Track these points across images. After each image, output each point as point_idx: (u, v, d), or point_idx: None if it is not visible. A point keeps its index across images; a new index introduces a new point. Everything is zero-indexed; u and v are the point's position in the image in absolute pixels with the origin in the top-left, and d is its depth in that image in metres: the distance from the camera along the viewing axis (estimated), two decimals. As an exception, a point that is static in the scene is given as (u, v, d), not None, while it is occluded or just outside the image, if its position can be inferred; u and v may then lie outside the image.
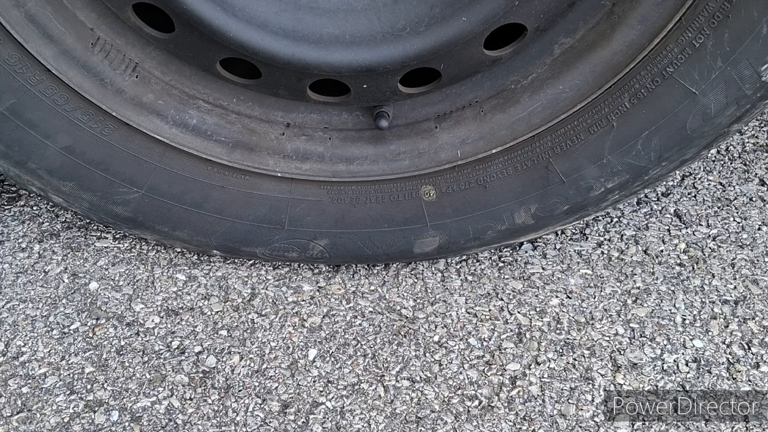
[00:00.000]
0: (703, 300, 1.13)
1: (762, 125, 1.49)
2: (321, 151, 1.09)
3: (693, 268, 1.18)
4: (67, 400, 1.00)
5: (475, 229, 1.11)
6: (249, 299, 1.15)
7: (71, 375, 1.03)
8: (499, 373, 1.03)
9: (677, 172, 1.26)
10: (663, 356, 1.04)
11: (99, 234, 1.26)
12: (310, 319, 1.12)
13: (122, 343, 1.08)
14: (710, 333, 1.08)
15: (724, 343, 1.06)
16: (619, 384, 1.01)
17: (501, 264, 1.20)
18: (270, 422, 0.97)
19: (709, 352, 1.05)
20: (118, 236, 1.25)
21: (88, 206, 1.11)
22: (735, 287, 1.15)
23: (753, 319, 1.09)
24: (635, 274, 1.17)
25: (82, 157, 1.06)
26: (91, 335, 1.09)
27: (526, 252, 1.22)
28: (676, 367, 1.03)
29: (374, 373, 1.04)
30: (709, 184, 1.35)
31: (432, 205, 1.10)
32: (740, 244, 1.22)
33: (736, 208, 1.30)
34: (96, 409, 0.99)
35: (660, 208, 1.30)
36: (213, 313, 1.13)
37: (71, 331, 1.10)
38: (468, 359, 1.05)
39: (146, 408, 0.99)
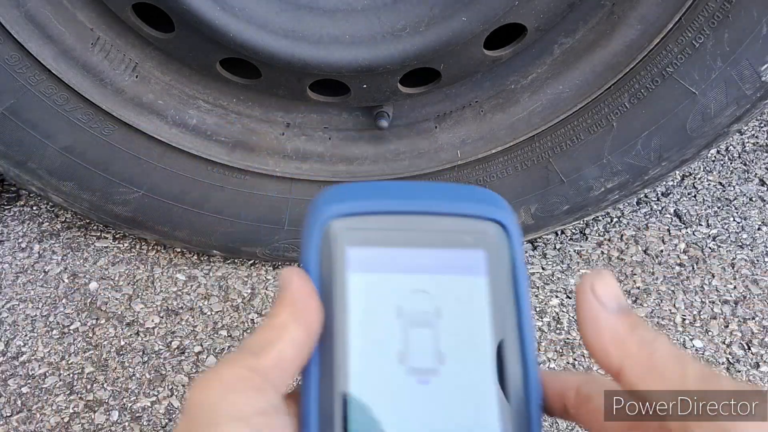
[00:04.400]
0: (703, 300, 1.13)
1: (762, 125, 1.49)
2: (321, 151, 1.09)
3: (693, 268, 1.18)
4: (67, 400, 1.00)
5: (475, 229, 1.11)
6: (249, 299, 1.15)
7: (71, 375, 1.03)
8: (499, 373, 1.03)
9: (677, 172, 1.25)
10: (663, 356, 1.04)
11: (99, 234, 1.26)
12: (310, 319, 1.12)
13: (122, 343, 1.08)
14: (710, 333, 1.08)
15: (724, 343, 1.06)
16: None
17: (501, 264, 1.20)
18: (270, 422, 0.97)
19: (709, 352, 1.05)
20: (118, 236, 1.25)
21: (88, 206, 1.11)
22: (735, 287, 1.15)
23: (753, 319, 1.09)
24: (635, 274, 1.17)
25: (82, 157, 1.05)
26: (91, 335, 1.09)
27: (526, 252, 1.22)
28: (676, 367, 1.03)
29: (374, 373, 1.04)
30: (709, 184, 1.35)
31: (432, 205, 1.09)
32: (740, 244, 1.22)
33: (736, 208, 1.30)
34: (96, 409, 0.99)
35: (660, 208, 1.30)
36: (213, 313, 1.13)
37: (71, 331, 1.10)
38: (468, 359, 1.05)
39: (146, 408, 0.99)
